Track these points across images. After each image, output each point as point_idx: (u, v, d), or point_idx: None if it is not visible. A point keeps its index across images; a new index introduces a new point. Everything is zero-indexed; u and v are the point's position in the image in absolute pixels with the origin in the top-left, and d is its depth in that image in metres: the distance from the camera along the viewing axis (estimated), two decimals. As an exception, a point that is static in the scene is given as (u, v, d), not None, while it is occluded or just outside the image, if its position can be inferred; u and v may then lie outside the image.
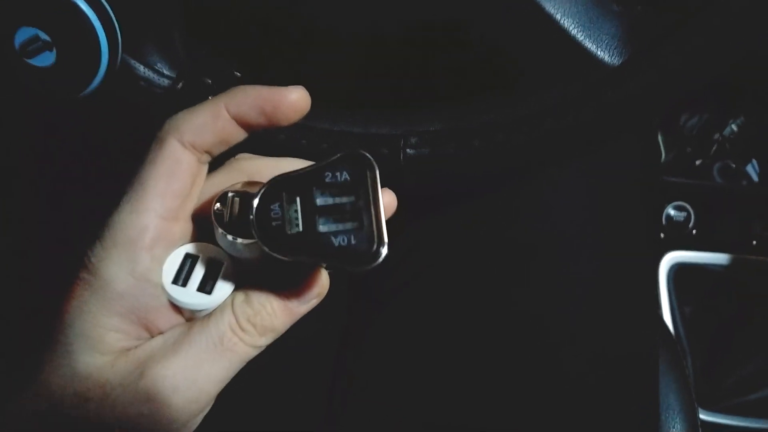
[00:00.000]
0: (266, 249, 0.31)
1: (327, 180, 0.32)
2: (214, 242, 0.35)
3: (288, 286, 0.35)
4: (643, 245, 0.59)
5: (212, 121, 0.34)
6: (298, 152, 0.45)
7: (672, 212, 1.00)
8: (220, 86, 0.44)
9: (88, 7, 0.39)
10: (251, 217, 0.31)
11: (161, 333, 0.35)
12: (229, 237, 0.33)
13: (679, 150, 1.04)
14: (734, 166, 1.02)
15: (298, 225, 0.31)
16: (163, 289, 0.34)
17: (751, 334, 0.94)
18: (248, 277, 0.35)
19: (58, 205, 0.62)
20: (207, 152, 0.35)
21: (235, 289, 0.35)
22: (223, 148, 0.35)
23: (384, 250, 0.31)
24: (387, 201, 0.36)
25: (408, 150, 0.44)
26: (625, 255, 0.57)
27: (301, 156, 0.45)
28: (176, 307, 0.35)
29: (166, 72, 0.44)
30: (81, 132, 0.52)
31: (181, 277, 0.34)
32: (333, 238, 0.31)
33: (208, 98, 0.44)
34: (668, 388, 0.66)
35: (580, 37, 0.41)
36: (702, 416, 0.89)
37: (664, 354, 0.68)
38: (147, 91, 0.44)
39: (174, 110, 0.44)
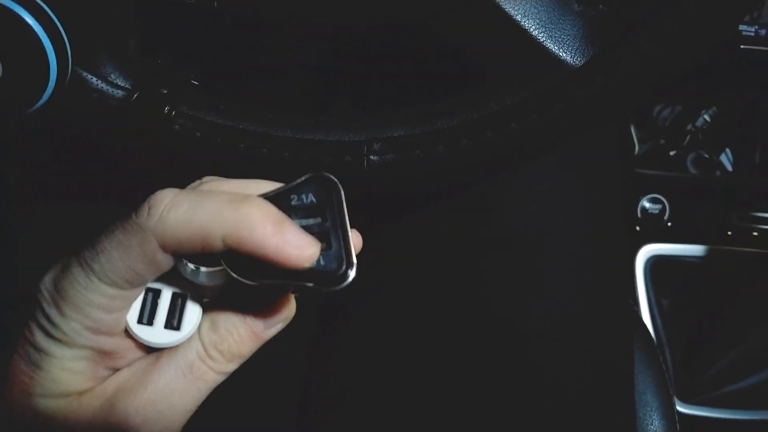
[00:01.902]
0: (233, 274, 0.31)
1: (293, 203, 0.31)
2: (174, 271, 0.34)
3: (254, 310, 0.34)
4: (618, 239, 0.59)
5: (203, 241, 0.30)
6: (260, 161, 0.44)
7: (647, 205, 1.00)
8: (177, 96, 0.43)
9: (35, 21, 0.38)
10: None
11: (125, 366, 0.34)
12: (191, 266, 0.32)
13: (652, 142, 1.04)
14: (707, 156, 1.02)
15: None
16: (129, 329, 0.33)
17: (728, 325, 0.94)
18: (213, 302, 0.35)
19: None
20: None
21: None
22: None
23: (352, 272, 0.31)
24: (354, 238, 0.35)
25: (372, 157, 0.43)
26: (600, 250, 0.57)
27: (263, 165, 0.44)
28: (142, 344, 0.34)
29: (120, 83, 0.43)
30: (32, 146, 0.51)
31: (146, 315, 0.33)
32: None
33: (164, 110, 0.43)
34: (645, 385, 0.66)
35: (541, 38, 0.40)
36: (681, 409, 0.89)
37: (640, 350, 0.68)
38: (100, 103, 0.42)
39: (129, 122, 0.43)
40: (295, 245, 0.30)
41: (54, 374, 0.32)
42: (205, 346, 0.34)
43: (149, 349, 0.34)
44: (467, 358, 0.52)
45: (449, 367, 0.52)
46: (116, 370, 0.34)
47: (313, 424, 0.55)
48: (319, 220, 0.31)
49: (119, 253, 0.31)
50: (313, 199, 0.32)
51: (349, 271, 0.31)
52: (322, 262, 0.31)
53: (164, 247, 0.31)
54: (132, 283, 0.32)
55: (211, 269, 0.32)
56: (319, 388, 0.56)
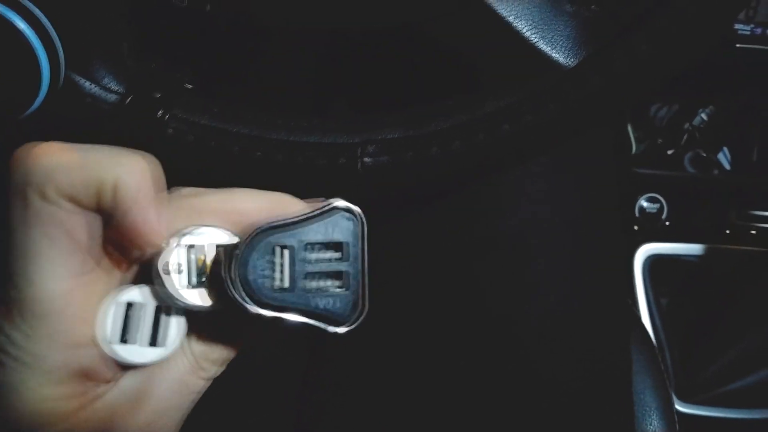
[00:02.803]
0: (248, 307, 0.29)
1: (317, 237, 0.30)
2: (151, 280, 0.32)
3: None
4: (615, 239, 0.59)
5: (97, 187, 0.28)
6: (254, 164, 0.44)
7: (645, 204, 1.00)
8: (171, 99, 0.43)
9: (26, 25, 0.37)
10: (233, 266, 0.29)
11: (109, 381, 0.32)
12: (186, 301, 0.30)
13: (650, 141, 1.04)
14: (705, 155, 1.02)
15: (282, 281, 0.29)
16: (110, 349, 0.31)
17: (727, 324, 0.94)
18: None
19: None
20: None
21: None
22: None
23: (362, 318, 0.30)
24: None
25: (366, 159, 0.43)
26: (596, 250, 0.56)
27: (257, 168, 0.44)
28: None
29: (114, 87, 0.43)
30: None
31: (128, 332, 0.31)
32: (318, 299, 0.30)
33: (157, 113, 0.43)
34: (644, 385, 0.66)
35: (534, 39, 0.40)
36: (681, 408, 0.89)
37: (639, 350, 0.67)
38: (94, 107, 0.42)
39: (122, 128, 0.43)
40: (155, 230, 0.29)
41: (32, 406, 0.30)
42: (196, 359, 0.32)
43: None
44: (464, 359, 0.52)
45: (446, 368, 0.52)
46: (100, 383, 0.32)
47: (311, 426, 0.55)
48: (339, 255, 0.30)
49: (30, 240, 0.28)
50: (337, 234, 0.30)
51: (361, 317, 0.30)
52: (335, 304, 0.30)
53: (62, 194, 0.28)
54: (75, 262, 0.29)
55: (206, 305, 0.31)
56: (316, 390, 0.56)
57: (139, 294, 0.31)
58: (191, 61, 0.46)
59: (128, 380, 0.32)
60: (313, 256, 0.30)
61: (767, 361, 0.91)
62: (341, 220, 0.30)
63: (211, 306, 0.31)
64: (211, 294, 0.31)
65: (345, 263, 0.30)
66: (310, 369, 0.58)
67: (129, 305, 0.31)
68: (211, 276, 0.31)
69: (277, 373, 0.58)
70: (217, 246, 0.31)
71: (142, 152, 0.29)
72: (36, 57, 0.38)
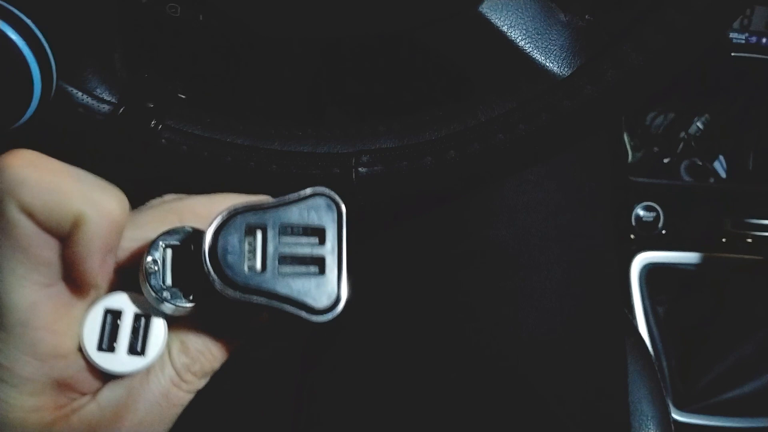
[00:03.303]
0: (217, 284, 0.28)
1: (293, 219, 0.29)
2: (133, 289, 0.31)
3: (225, 323, 0.32)
4: (608, 249, 0.59)
5: (58, 214, 0.27)
6: (247, 175, 0.44)
7: (641, 213, 1.00)
8: (164, 109, 0.43)
9: (18, 36, 0.37)
10: (204, 247, 0.27)
11: (85, 394, 0.31)
12: (168, 304, 0.30)
13: (645, 150, 1.04)
14: (701, 163, 1.02)
15: (255, 262, 0.28)
16: (87, 358, 0.30)
17: (724, 332, 0.94)
18: (178, 318, 0.32)
19: None
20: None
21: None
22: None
23: (340, 307, 0.29)
24: None
25: (360, 169, 0.43)
26: (589, 260, 0.56)
27: (250, 178, 0.44)
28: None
29: (106, 97, 0.43)
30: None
31: (105, 340, 0.30)
32: (292, 283, 0.28)
33: (150, 124, 0.43)
34: (640, 395, 0.66)
35: (528, 48, 0.40)
36: (678, 417, 0.89)
37: (635, 359, 0.67)
38: (86, 118, 0.42)
39: (115, 138, 0.43)
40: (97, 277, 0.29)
41: (5, 418, 0.29)
42: (178, 371, 0.32)
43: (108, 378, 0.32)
44: (455, 370, 0.52)
45: (437, 379, 0.52)
46: (78, 394, 0.31)
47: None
48: (315, 241, 0.29)
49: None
50: (315, 218, 0.29)
51: (338, 305, 0.29)
52: (313, 290, 0.29)
53: (24, 209, 0.27)
54: (44, 270, 0.28)
55: (187, 305, 0.30)
56: (309, 399, 0.56)
57: (117, 301, 0.31)
58: (184, 71, 0.46)
59: (108, 392, 0.31)
60: (290, 239, 0.29)
61: (764, 370, 0.91)
62: (320, 206, 0.29)
63: (191, 305, 0.30)
64: (189, 291, 0.30)
65: (322, 248, 0.29)
66: (303, 378, 0.57)
67: (107, 312, 0.30)
68: (189, 269, 0.30)
69: (269, 383, 0.57)
70: (194, 232, 0.30)
71: (115, 190, 0.28)
72: (28, 67, 0.38)
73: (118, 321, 0.30)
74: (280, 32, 0.41)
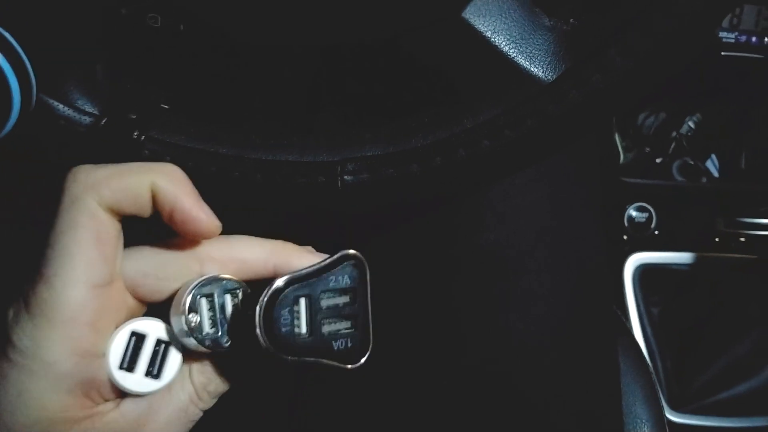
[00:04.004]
0: (272, 351, 0.32)
1: (331, 285, 0.33)
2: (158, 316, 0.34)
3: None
4: (598, 252, 0.59)
5: (135, 193, 0.32)
6: (231, 184, 0.43)
7: (633, 213, 0.99)
8: (147, 120, 0.42)
9: (-4, 48, 0.37)
10: (258, 319, 0.31)
11: (108, 400, 0.33)
12: (206, 348, 0.33)
13: (637, 150, 1.03)
14: (693, 163, 1.02)
15: (302, 328, 0.32)
16: (108, 373, 0.32)
17: (718, 332, 0.94)
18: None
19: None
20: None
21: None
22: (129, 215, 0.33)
23: (368, 354, 0.34)
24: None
25: (345, 177, 0.43)
26: (581, 261, 0.56)
27: (235, 188, 0.44)
28: None
29: (88, 109, 0.42)
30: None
31: (127, 360, 0.33)
32: (334, 342, 0.33)
33: (133, 135, 0.42)
34: (634, 396, 0.66)
35: (512, 53, 0.40)
36: (673, 418, 0.88)
37: (629, 361, 0.67)
38: (68, 130, 0.42)
39: (98, 150, 0.42)
40: (207, 213, 0.33)
41: (35, 414, 0.31)
42: (196, 390, 0.34)
43: None
44: (446, 377, 0.51)
45: (427, 389, 0.52)
46: (104, 399, 0.33)
47: None
48: (348, 299, 0.33)
49: (74, 241, 0.31)
50: (348, 281, 0.33)
51: (368, 352, 0.34)
52: (348, 344, 0.33)
53: (103, 205, 0.31)
54: (99, 271, 0.31)
55: (223, 348, 0.33)
56: (303, 410, 0.55)
57: (144, 326, 0.33)
58: (167, 82, 0.46)
59: (131, 404, 0.33)
60: (326, 303, 0.33)
61: (758, 369, 0.91)
62: (349, 267, 0.33)
63: (227, 350, 0.33)
64: (227, 339, 0.33)
65: (354, 306, 0.33)
66: (296, 385, 0.57)
67: (133, 334, 0.33)
68: (231, 325, 0.33)
69: (264, 387, 0.57)
70: (237, 297, 0.34)
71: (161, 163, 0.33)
72: (6, 80, 0.37)
73: (141, 344, 0.33)
74: (261, 40, 0.41)
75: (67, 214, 0.31)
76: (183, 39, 0.41)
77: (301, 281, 0.32)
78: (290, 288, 0.32)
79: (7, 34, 0.37)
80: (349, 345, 0.33)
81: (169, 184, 0.32)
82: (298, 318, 0.32)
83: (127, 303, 0.34)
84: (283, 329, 0.32)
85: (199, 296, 0.33)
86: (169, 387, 0.34)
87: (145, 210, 0.33)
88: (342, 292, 0.33)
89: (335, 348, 0.33)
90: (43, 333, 0.30)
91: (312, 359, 0.32)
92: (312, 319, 0.32)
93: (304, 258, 0.35)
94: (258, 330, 0.31)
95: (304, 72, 0.47)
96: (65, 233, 0.31)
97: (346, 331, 0.33)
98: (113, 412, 0.33)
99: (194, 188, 0.34)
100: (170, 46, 0.42)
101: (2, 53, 0.37)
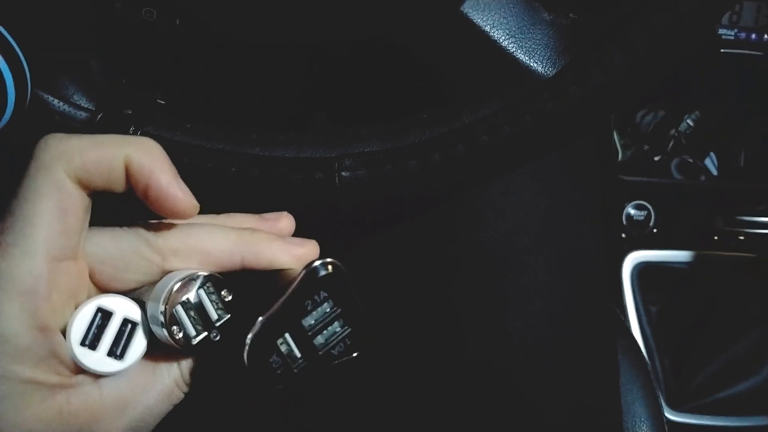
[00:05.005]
0: (274, 391, 0.31)
1: (309, 308, 0.32)
2: (128, 296, 0.33)
3: None
4: (597, 250, 0.58)
5: (108, 165, 0.31)
6: (228, 180, 0.43)
7: (632, 212, 0.99)
8: (142, 116, 0.42)
9: (-10, 43, 0.37)
10: (248, 374, 0.30)
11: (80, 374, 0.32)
12: (178, 345, 0.32)
13: (636, 148, 1.03)
14: (692, 161, 1.02)
15: (298, 357, 0.31)
16: (69, 348, 0.31)
17: (717, 330, 0.94)
18: None
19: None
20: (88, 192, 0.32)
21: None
22: (99, 191, 0.32)
23: (368, 337, 0.33)
24: (285, 225, 0.36)
25: (343, 173, 0.43)
26: (580, 260, 0.56)
27: (232, 184, 0.43)
28: None
29: (83, 104, 0.42)
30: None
31: (90, 337, 0.31)
32: (332, 350, 0.32)
33: (129, 130, 0.42)
34: (633, 395, 0.65)
35: (511, 48, 0.39)
36: (672, 417, 0.88)
37: (628, 360, 0.67)
38: (63, 125, 0.41)
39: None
40: (184, 191, 0.31)
41: (6, 389, 0.30)
42: (182, 373, 0.33)
43: None
44: (440, 377, 0.51)
45: (422, 386, 0.51)
46: (75, 371, 0.32)
47: None
48: (330, 306, 0.32)
49: (36, 211, 0.30)
50: (324, 294, 0.32)
51: (367, 337, 0.33)
52: (348, 342, 0.32)
53: (72, 175, 0.30)
54: (60, 244, 0.30)
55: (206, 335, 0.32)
56: (298, 409, 0.55)
57: (112, 303, 0.32)
58: (163, 77, 0.45)
59: (112, 384, 0.32)
60: (310, 320, 0.32)
61: (757, 368, 0.90)
62: (320, 279, 0.31)
63: (198, 348, 0.32)
64: (199, 337, 0.32)
65: (340, 309, 0.32)
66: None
67: (99, 311, 0.32)
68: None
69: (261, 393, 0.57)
70: (210, 291, 0.32)
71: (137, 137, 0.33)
72: (1, 75, 0.37)
73: (107, 322, 0.32)
74: (259, 37, 0.40)
75: (32, 182, 0.30)
76: (178, 34, 0.40)
77: (278, 318, 0.31)
78: (267, 332, 0.31)
79: (1, 29, 0.37)
80: (348, 342, 0.33)
81: (145, 158, 0.31)
82: (290, 354, 0.31)
83: (89, 286, 0.33)
84: (278, 371, 0.31)
85: (177, 305, 0.31)
86: (153, 369, 0.33)
87: (118, 185, 0.31)
88: (321, 303, 0.32)
89: (334, 354, 0.32)
90: (0, 306, 0.29)
91: (319, 373, 0.32)
92: (303, 345, 0.31)
93: (273, 247, 0.33)
94: (253, 381, 0.31)
95: (300, 69, 0.47)
96: (27, 201, 0.30)
97: (340, 330, 0.32)
98: (92, 390, 0.32)
99: (172, 165, 0.32)
100: (166, 41, 0.42)
101: (-4, 48, 0.36)
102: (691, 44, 0.36)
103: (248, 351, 0.30)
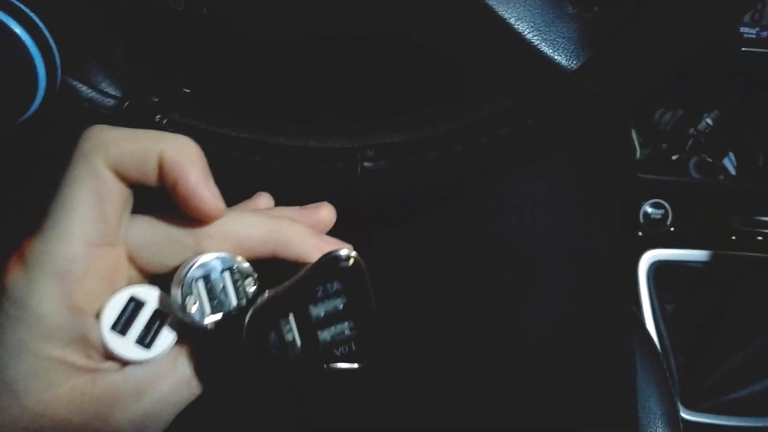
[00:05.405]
0: (268, 374, 0.31)
1: (320, 294, 0.31)
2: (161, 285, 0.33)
3: None
4: (618, 247, 0.58)
5: (142, 158, 0.31)
6: (251, 169, 0.44)
7: (649, 210, 0.99)
8: (168, 104, 0.43)
9: (23, 30, 0.37)
10: (244, 347, 0.30)
11: (109, 360, 0.33)
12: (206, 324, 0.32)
13: (654, 146, 1.03)
14: (710, 160, 1.01)
15: (297, 345, 0.31)
16: (100, 331, 0.32)
17: (732, 330, 0.93)
18: None
19: None
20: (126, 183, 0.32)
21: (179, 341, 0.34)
22: (136, 184, 0.33)
23: (377, 349, 0.32)
24: (325, 214, 0.36)
25: (365, 163, 0.43)
26: (597, 256, 0.56)
27: (254, 173, 0.44)
28: None
29: (111, 91, 0.43)
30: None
31: (121, 324, 0.32)
32: (335, 349, 0.31)
33: (155, 118, 0.43)
34: (648, 392, 0.65)
35: (535, 41, 0.40)
36: (686, 416, 0.88)
37: (643, 357, 0.67)
38: (91, 112, 0.42)
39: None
40: (212, 192, 0.32)
41: (31, 366, 0.31)
42: (201, 362, 0.33)
43: None
44: (456, 377, 0.51)
45: (439, 383, 0.52)
46: (104, 358, 0.33)
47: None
48: (342, 303, 0.31)
49: (74, 196, 0.31)
50: (339, 286, 0.31)
51: (373, 352, 0.32)
52: (354, 347, 0.31)
53: (109, 165, 0.31)
54: (96, 230, 0.31)
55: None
56: (302, 404, 0.56)
57: (145, 293, 0.33)
58: (189, 65, 0.46)
59: (136, 369, 0.33)
60: (318, 311, 0.31)
61: (774, 369, 0.90)
62: (337, 270, 0.31)
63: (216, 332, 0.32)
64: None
65: (351, 307, 0.31)
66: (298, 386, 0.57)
67: (132, 300, 0.32)
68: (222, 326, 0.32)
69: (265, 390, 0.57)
70: (236, 276, 0.32)
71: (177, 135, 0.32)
72: (32, 61, 0.38)
73: (139, 311, 0.32)
74: (281, 27, 0.41)
75: (73, 169, 0.31)
76: (206, 22, 0.41)
77: (286, 298, 0.31)
78: (272, 306, 0.31)
79: (33, 15, 0.38)
80: (353, 347, 0.32)
81: (178, 155, 0.31)
82: (290, 336, 0.31)
83: (129, 272, 0.33)
84: (274, 352, 0.30)
85: (194, 280, 0.32)
86: (175, 357, 0.33)
87: (150, 178, 0.32)
88: (333, 296, 0.31)
89: (338, 353, 0.31)
90: (35, 285, 0.30)
91: (315, 369, 0.31)
92: (305, 332, 0.31)
93: (307, 242, 0.34)
94: (248, 357, 0.31)
95: (320, 63, 0.48)
96: (67, 187, 0.31)
97: (348, 332, 0.32)
98: (116, 374, 0.32)
99: (206, 166, 0.32)
100: (193, 30, 0.43)
101: (29, 34, 0.37)
102: (699, 40, 0.36)
103: (248, 321, 0.30)
